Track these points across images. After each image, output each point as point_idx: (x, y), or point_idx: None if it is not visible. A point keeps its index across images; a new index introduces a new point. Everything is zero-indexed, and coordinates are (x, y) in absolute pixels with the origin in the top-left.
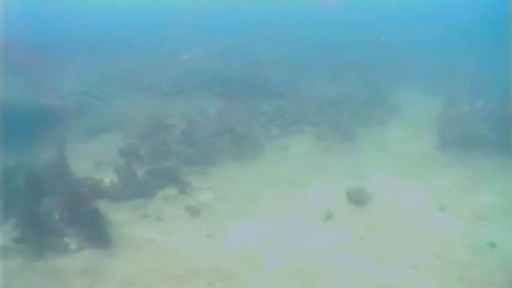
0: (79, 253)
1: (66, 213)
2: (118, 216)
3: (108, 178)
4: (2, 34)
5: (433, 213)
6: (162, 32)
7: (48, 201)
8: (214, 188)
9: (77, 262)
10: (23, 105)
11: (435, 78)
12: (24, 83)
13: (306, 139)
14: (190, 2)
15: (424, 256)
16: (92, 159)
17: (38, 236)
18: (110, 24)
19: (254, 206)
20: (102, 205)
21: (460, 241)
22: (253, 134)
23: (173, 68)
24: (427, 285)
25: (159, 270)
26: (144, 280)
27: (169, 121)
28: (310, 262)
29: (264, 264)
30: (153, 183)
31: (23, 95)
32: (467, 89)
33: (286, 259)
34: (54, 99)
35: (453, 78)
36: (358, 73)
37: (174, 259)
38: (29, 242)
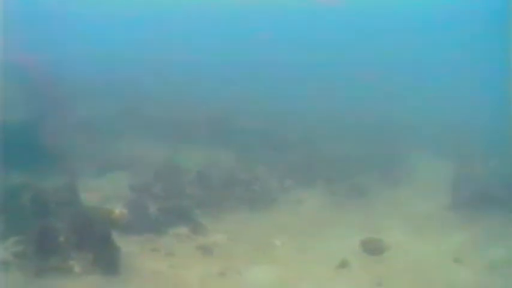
0: (83, 277)
1: (73, 236)
2: (126, 248)
3: (119, 210)
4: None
5: (448, 264)
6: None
7: (54, 223)
8: (227, 231)
9: (80, 285)
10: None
11: (446, 137)
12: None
13: (319, 193)
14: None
15: None
16: (100, 194)
17: (41, 255)
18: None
19: (267, 251)
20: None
21: None
22: (266, 186)
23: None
24: None
25: None
26: None
27: (184, 165)
28: None
29: None
30: (165, 220)
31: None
32: (479, 149)
33: None
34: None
35: (464, 137)
36: (370, 132)
37: None
38: (31, 260)
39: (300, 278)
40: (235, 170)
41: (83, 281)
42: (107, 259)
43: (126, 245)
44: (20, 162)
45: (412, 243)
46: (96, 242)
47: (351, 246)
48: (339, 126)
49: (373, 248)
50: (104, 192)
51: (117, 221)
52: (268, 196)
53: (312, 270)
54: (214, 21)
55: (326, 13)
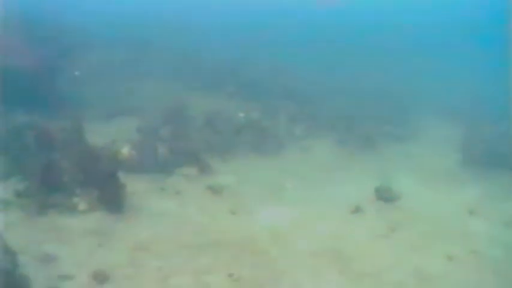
0: (88, 214)
1: (78, 173)
2: (134, 186)
3: (126, 149)
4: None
5: (463, 216)
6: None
7: (58, 161)
8: (236, 173)
9: (85, 223)
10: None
11: (457, 104)
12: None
13: (328, 143)
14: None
15: (458, 250)
16: (108, 137)
17: (44, 192)
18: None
19: (278, 193)
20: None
21: (492, 241)
22: (276, 132)
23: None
24: (464, 275)
25: (176, 239)
26: (158, 247)
27: (191, 111)
28: (343, 247)
29: (295, 244)
30: (173, 160)
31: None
32: (488, 114)
33: (318, 242)
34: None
35: (474, 102)
36: (384, 96)
37: (193, 230)
38: (33, 198)
39: (312, 220)
40: (246, 117)
41: (86, 218)
42: (111, 196)
43: (133, 184)
44: (26, 105)
45: (425, 194)
46: (101, 179)
47: (363, 193)
48: (355, 88)
49: (386, 196)
50: (111, 135)
51: (124, 160)
52: (277, 142)
53: (325, 214)
54: None
55: None
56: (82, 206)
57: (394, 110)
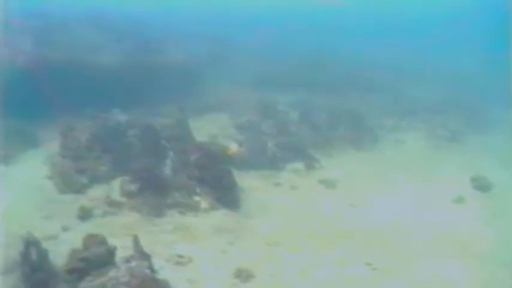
0: (210, 213)
1: (196, 172)
2: (247, 182)
3: (235, 146)
4: None
5: None
6: None
7: (171, 160)
8: (341, 167)
9: (210, 221)
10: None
11: None
12: None
13: (418, 135)
14: None
15: None
16: (206, 132)
17: (160, 193)
18: None
19: (385, 185)
20: None
21: None
22: (368, 124)
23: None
24: None
25: (305, 232)
26: (290, 241)
27: (280, 107)
28: (456, 233)
29: (413, 233)
30: (281, 156)
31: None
32: None
33: (433, 230)
34: None
35: None
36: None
37: (320, 223)
38: (147, 199)
39: (423, 210)
40: (335, 111)
41: (210, 216)
42: (229, 194)
43: (246, 180)
44: (121, 103)
45: None
46: (218, 177)
47: (459, 183)
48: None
49: (481, 185)
50: (208, 131)
51: (233, 157)
52: (372, 136)
53: (431, 203)
54: None
55: None
56: (203, 204)
57: (468, 101)
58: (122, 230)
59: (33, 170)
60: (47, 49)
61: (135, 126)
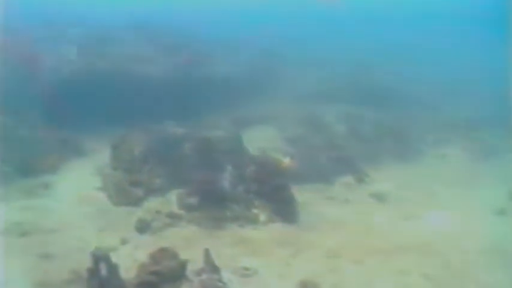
0: (269, 225)
1: (253, 185)
2: (301, 196)
3: (288, 159)
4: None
5: None
6: None
7: (227, 172)
8: (390, 180)
9: (270, 234)
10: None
11: None
12: None
13: (458, 149)
14: None
15: None
16: (253, 145)
17: (219, 206)
18: None
19: (433, 198)
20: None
21: None
22: (411, 137)
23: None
24: None
25: (364, 245)
26: (349, 253)
27: (326, 119)
28: (504, 245)
29: (463, 244)
30: (332, 169)
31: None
32: None
33: (480, 241)
34: None
35: None
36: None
37: (377, 236)
38: (206, 211)
39: (468, 222)
40: (380, 124)
41: (269, 229)
42: (286, 207)
43: (300, 193)
44: (174, 115)
45: None
46: (274, 190)
47: (498, 195)
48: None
49: None
50: (257, 143)
51: (286, 170)
52: (415, 149)
53: (475, 216)
54: None
55: None
56: (262, 217)
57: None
58: (182, 243)
59: (81, 181)
60: (94, 58)
61: (191, 139)
